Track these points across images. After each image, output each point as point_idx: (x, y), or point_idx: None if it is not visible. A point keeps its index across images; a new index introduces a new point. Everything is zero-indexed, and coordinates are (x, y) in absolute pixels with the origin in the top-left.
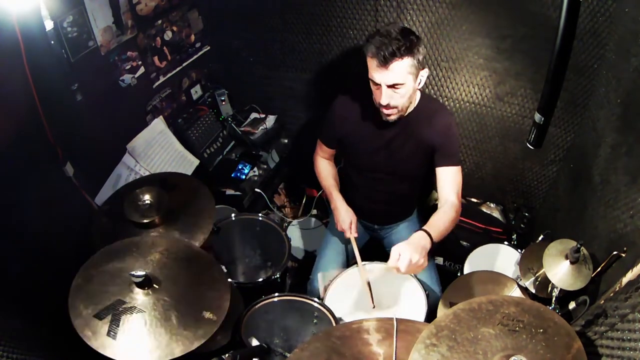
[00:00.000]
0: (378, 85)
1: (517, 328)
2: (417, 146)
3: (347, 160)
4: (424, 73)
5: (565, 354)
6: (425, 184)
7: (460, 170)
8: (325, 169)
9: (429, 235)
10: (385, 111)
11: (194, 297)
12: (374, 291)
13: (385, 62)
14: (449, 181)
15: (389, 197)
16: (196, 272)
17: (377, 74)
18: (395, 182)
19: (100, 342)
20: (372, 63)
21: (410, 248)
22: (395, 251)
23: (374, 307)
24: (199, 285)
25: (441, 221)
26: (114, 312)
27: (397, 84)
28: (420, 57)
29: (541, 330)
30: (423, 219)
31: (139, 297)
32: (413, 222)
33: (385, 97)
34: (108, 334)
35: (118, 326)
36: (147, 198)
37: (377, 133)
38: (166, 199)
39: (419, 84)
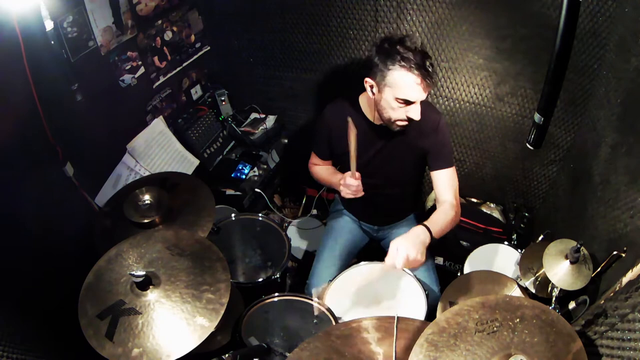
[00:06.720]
0: (410, 102)
1: (494, 328)
2: (409, 151)
3: (342, 168)
4: None
5: (550, 330)
6: (422, 185)
7: (455, 170)
8: (323, 169)
9: (429, 230)
10: (403, 123)
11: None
12: (373, 291)
13: (431, 77)
14: (445, 183)
15: (386, 200)
16: (199, 263)
17: (416, 92)
18: (391, 186)
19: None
20: (409, 79)
21: (407, 244)
22: (393, 246)
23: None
24: (201, 273)
25: (441, 219)
26: (114, 314)
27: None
28: None
29: (517, 320)
30: (421, 219)
31: (145, 296)
32: (411, 223)
33: (417, 112)
34: (113, 333)
35: (116, 326)
36: (147, 198)
37: (368, 142)
38: (166, 199)
39: None
